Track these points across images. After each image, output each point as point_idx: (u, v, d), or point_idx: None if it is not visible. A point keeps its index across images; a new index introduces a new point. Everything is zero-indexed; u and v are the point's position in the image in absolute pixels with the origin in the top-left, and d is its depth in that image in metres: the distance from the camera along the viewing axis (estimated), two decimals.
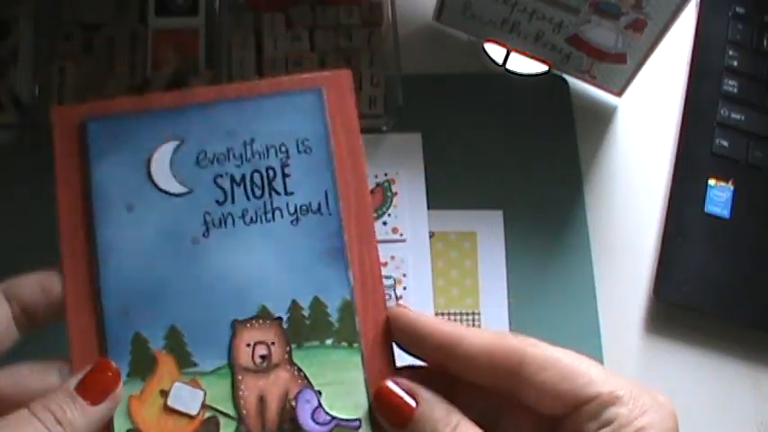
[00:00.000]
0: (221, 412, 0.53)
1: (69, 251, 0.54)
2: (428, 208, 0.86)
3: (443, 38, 0.96)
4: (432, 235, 0.86)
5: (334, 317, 0.53)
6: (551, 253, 0.86)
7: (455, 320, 0.85)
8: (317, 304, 0.54)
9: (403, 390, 0.49)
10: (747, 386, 0.83)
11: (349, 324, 0.53)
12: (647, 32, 0.83)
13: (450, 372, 0.50)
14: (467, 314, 0.85)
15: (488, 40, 0.94)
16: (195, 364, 0.53)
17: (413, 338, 0.51)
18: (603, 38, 0.86)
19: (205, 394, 0.53)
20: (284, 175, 0.55)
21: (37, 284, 0.53)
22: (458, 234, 0.87)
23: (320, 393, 0.53)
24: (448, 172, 0.86)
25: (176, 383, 0.53)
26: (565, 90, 0.95)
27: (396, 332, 0.51)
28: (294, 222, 0.54)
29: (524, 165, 0.89)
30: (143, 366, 0.53)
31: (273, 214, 0.54)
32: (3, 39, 0.88)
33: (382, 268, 0.58)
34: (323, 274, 0.53)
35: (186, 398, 0.53)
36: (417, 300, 0.81)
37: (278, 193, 0.54)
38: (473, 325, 0.84)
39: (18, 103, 0.85)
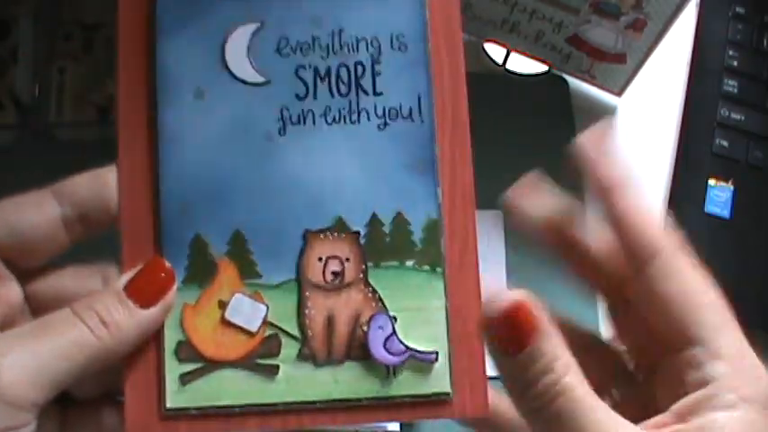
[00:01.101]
0: (284, 331, 0.47)
1: (128, 137, 0.48)
2: None
3: None
4: None
5: (417, 236, 0.47)
6: (551, 253, 0.83)
7: None
8: (399, 220, 0.48)
9: (529, 310, 0.41)
10: None
11: (433, 246, 0.47)
12: (647, 32, 0.82)
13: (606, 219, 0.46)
14: None
15: (488, 40, 0.92)
16: (259, 276, 0.47)
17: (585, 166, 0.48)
18: (603, 38, 0.85)
19: (268, 309, 0.47)
20: (374, 73, 0.48)
21: (91, 182, 0.47)
22: None
23: (395, 320, 0.47)
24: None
25: (237, 295, 0.47)
26: (565, 90, 0.94)
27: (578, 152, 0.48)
28: (381, 127, 0.48)
29: (524, 165, 0.86)
30: (201, 272, 0.47)
31: (359, 116, 0.48)
32: (3, 39, 0.85)
33: None
34: (409, 187, 0.47)
35: (247, 312, 0.47)
36: None
37: (366, 93, 0.48)
38: None
39: (18, 103, 0.83)
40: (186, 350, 0.47)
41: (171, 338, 0.46)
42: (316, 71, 0.49)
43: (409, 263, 0.48)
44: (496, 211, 0.82)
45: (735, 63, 0.94)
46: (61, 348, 0.43)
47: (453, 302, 0.47)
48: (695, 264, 0.45)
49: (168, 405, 0.46)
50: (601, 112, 0.93)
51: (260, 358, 0.47)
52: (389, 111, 0.48)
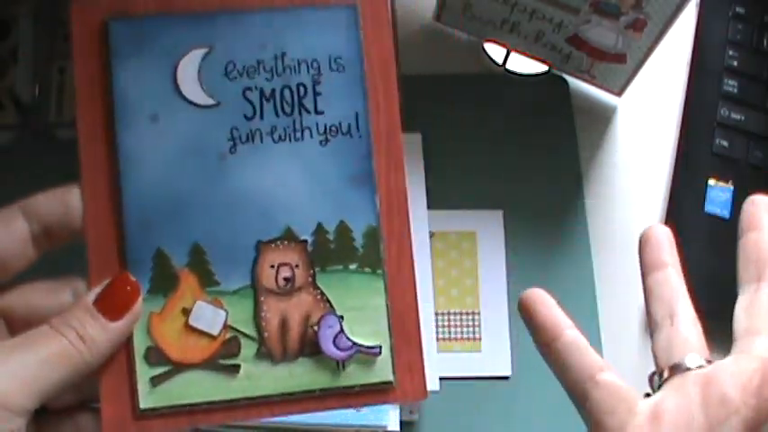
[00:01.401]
0: (243, 333, 0.52)
1: (89, 161, 0.51)
2: (428, 208, 0.85)
3: (443, 38, 0.95)
4: (432, 235, 0.86)
5: (358, 242, 0.52)
6: (551, 252, 0.86)
7: (455, 320, 0.85)
8: (342, 228, 0.52)
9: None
10: None
11: (373, 250, 0.52)
12: (647, 32, 0.82)
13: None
14: (467, 314, 0.85)
15: (488, 40, 0.93)
16: (218, 284, 0.52)
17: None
18: (603, 38, 0.85)
19: (227, 314, 0.52)
20: (315, 93, 0.52)
21: (56, 200, 0.51)
22: (458, 234, 0.87)
23: (342, 318, 0.52)
24: (448, 172, 0.85)
25: (198, 302, 0.52)
26: (565, 90, 0.94)
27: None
28: (323, 143, 0.52)
29: (524, 165, 0.89)
30: (164, 283, 0.51)
31: (303, 133, 0.52)
32: (3, 39, 0.86)
33: None
34: (350, 197, 0.52)
35: (208, 317, 0.52)
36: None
37: (308, 112, 0.52)
38: (473, 325, 0.85)
39: (18, 103, 0.84)
40: (155, 355, 0.51)
41: (140, 344, 0.51)
42: (261, 92, 0.53)
43: (352, 266, 0.53)
44: (497, 211, 0.87)
45: (735, 63, 0.94)
46: (47, 359, 0.47)
47: (393, 300, 0.53)
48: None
49: (142, 406, 0.51)
50: (601, 112, 0.94)
51: (222, 359, 0.52)
52: (330, 128, 0.53)
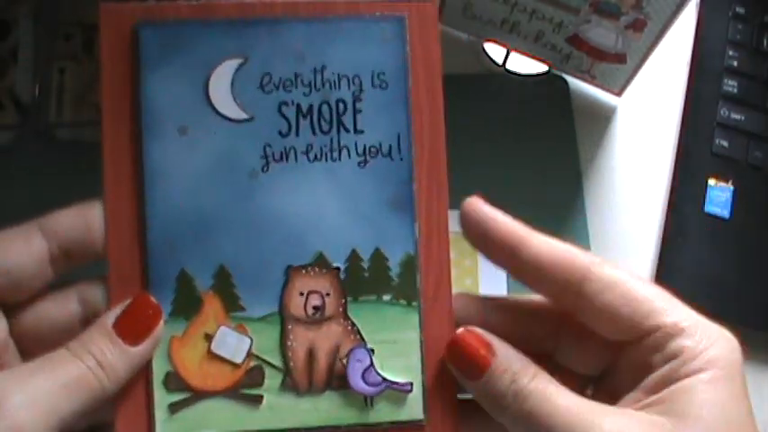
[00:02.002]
0: (267, 362, 0.49)
1: (113, 174, 0.48)
2: None
3: (443, 38, 0.93)
4: None
5: (394, 271, 0.49)
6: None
7: None
8: (377, 256, 0.50)
9: (478, 341, 0.46)
10: (747, 386, 0.83)
11: (409, 281, 0.50)
12: (647, 32, 0.82)
13: (513, 274, 0.48)
14: None
15: (488, 40, 0.92)
16: (243, 309, 0.49)
17: (480, 231, 0.49)
18: (603, 38, 0.85)
19: (252, 342, 0.49)
20: (355, 111, 0.49)
21: (76, 218, 0.48)
22: (458, 234, 0.84)
23: (373, 352, 0.50)
24: (448, 172, 0.83)
25: (222, 328, 0.49)
26: (565, 90, 0.93)
27: (465, 222, 0.49)
28: (361, 164, 0.49)
29: (524, 165, 0.88)
30: (187, 306, 0.49)
31: (340, 153, 0.49)
32: (3, 39, 0.84)
33: None
34: (387, 224, 0.49)
35: (231, 344, 0.49)
36: None
37: (347, 130, 0.49)
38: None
39: (18, 104, 0.82)
40: (174, 381, 0.49)
41: (159, 369, 0.48)
42: (298, 108, 0.50)
43: (386, 297, 0.50)
44: None
45: (735, 63, 0.94)
46: (65, 386, 0.45)
47: (428, 335, 0.50)
48: (616, 265, 0.47)
49: None
50: (601, 112, 0.93)
51: (245, 388, 0.49)
52: (369, 149, 0.50)
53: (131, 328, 0.47)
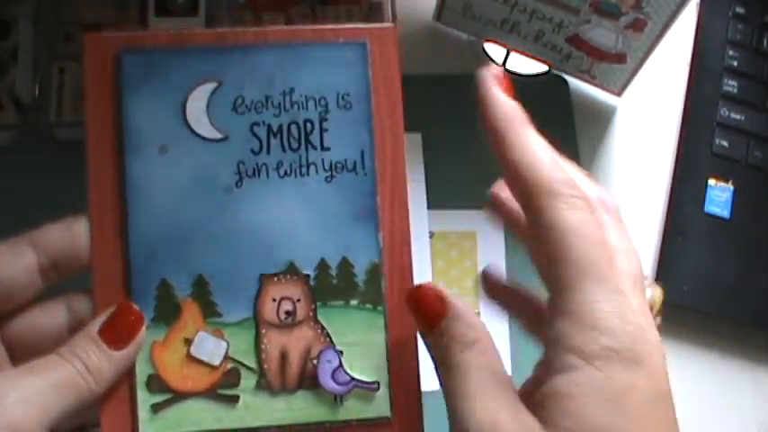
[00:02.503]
0: (243, 365, 0.53)
1: (97, 190, 0.52)
2: (428, 208, 0.86)
3: (443, 38, 0.95)
4: (432, 235, 0.86)
5: (360, 278, 0.53)
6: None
7: None
8: (344, 264, 0.53)
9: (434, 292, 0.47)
10: (747, 386, 0.83)
11: (375, 286, 0.53)
12: (647, 32, 0.82)
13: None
14: None
15: (488, 40, 0.93)
16: (220, 315, 0.53)
17: (480, 99, 0.49)
18: (603, 38, 0.85)
19: (228, 346, 0.53)
20: (322, 130, 0.53)
21: (64, 232, 0.51)
22: (458, 234, 0.87)
23: (341, 353, 0.53)
24: (448, 172, 0.86)
25: (200, 333, 0.52)
26: (565, 90, 0.94)
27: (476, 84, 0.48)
28: (328, 179, 0.53)
29: None
30: (167, 313, 0.52)
31: (308, 169, 0.53)
32: (3, 39, 0.86)
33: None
34: (353, 234, 0.52)
35: (209, 348, 0.52)
36: None
37: (314, 148, 0.53)
38: None
39: (18, 103, 0.84)
40: (156, 383, 0.52)
41: (142, 372, 0.52)
42: (269, 128, 0.54)
43: (353, 302, 0.53)
44: None
45: (735, 63, 0.94)
46: (55, 386, 0.48)
47: (392, 336, 0.53)
48: (578, 208, 0.45)
49: None
50: (601, 112, 0.94)
51: (222, 389, 0.53)
52: (335, 164, 0.53)
53: (116, 334, 0.50)
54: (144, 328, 0.52)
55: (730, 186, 0.89)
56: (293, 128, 0.53)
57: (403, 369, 0.53)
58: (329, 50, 0.53)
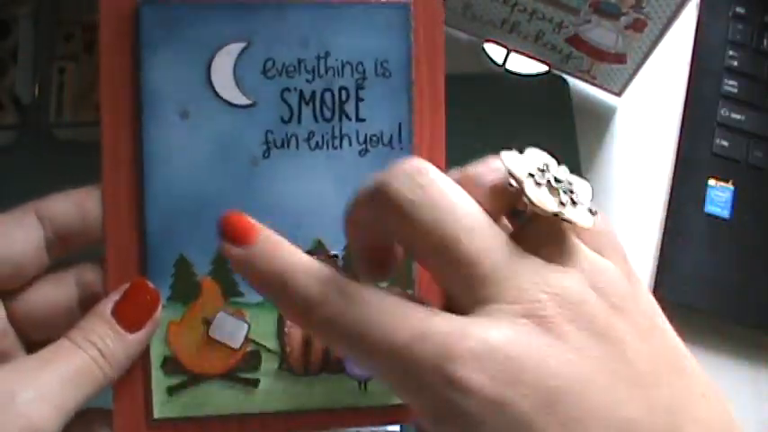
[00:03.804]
0: (264, 347, 0.50)
1: (112, 158, 0.48)
2: None
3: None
4: None
5: None
6: None
7: None
8: None
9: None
10: (747, 386, 0.83)
11: (405, 268, 0.50)
12: (647, 32, 0.81)
13: None
14: None
15: (488, 40, 0.91)
16: (241, 294, 0.49)
17: None
18: (603, 38, 0.84)
19: (249, 327, 0.49)
20: (358, 99, 0.49)
21: (73, 203, 0.48)
22: None
23: None
24: (447, 167, 0.83)
25: (220, 313, 0.49)
26: (565, 90, 0.93)
27: None
28: (362, 153, 0.49)
29: None
30: (185, 291, 0.49)
31: (341, 141, 0.49)
32: (3, 39, 0.83)
33: None
34: None
35: (229, 329, 0.49)
36: None
37: (348, 118, 0.49)
38: None
39: (18, 104, 0.81)
40: (172, 365, 0.49)
41: (157, 353, 0.49)
42: (301, 94, 0.49)
43: (383, 284, 0.49)
44: None
45: (735, 63, 0.94)
46: (71, 378, 0.45)
47: None
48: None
49: (156, 415, 0.49)
50: (601, 112, 0.93)
51: (241, 372, 0.50)
52: (371, 137, 0.50)
53: (130, 315, 0.47)
54: (160, 308, 0.48)
55: (730, 186, 0.88)
56: (327, 96, 0.49)
57: None
58: (369, 11, 0.49)
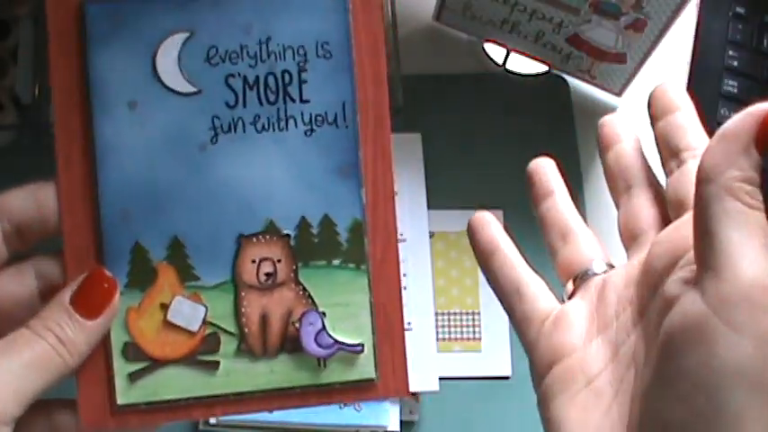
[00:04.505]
0: (222, 329, 0.50)
1: (65, 150, 0.50)
2: (428, 208, 0.85)
3: (443, 38, 0.95)
4: (432, 235, 0.85)
5: (343, 237, 0.50)
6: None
7: (455, 320, 0.85)
8: (326, 222, 0.50)
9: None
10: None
11: (358, 245, 0.50)
12: (647, 32, 0.82)
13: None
14: (466, 314, 0.85)
15: (488, 40, 0.93)
16: (197, 278, 0.50)
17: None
18: (603, 38, 0.85)
19: (207, 310, 0.50)
20: (300, 81, 0.50)
21: (29, 197, 0.49)
22: (458, 234, 0.87)
23: (324, 315, 0.50)
24: (448, 172, 0.86)
25: (177, 297, 0.50)
26: (565, 90, 0.94)
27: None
28: (308, 133, 0.50)
29: (524, 165, 0.88)
30: (143, 277, 0.50)
31: (287, 123, 0.50)
32: (3, 39, 0.85)
33: None
34: (335, 191, 0.49)
35: (187, 313, 0.50)
36: (417, 299, 0.80)
37: (293, 100, 0.50)
38: (473, 325, 0.85)
39: (18, 103, 0.83)
40: (133, 351, 0.50)
41: (117, 340, 0.50)
42: (245, 80, 0.51)
43: (336, 262, 0.51)
44: (497, 210, 0.86)
45: (735, 63, 0.94)
46: (30, 365, 0.46)
47: (377, 297, 0.51)
48: None
49: (119, 402, 0.50)
50: (601, 112, 0.91)
51: (201, 355, 0.50)
52: (316, 117, 0.51)
53: (88, 303, 0.48)
54: (118, 294, 0.49)
55: None
56: (270, 79, 0.50)
57: (388, 329, 0.51)
58: None
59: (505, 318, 0.83)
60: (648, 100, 0.54)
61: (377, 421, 0.75)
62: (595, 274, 0.49)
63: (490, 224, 0.53)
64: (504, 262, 0.51)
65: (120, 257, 0.50)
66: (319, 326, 0.50)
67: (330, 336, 0.50)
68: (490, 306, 0.84)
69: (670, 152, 0.51)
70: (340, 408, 0.76)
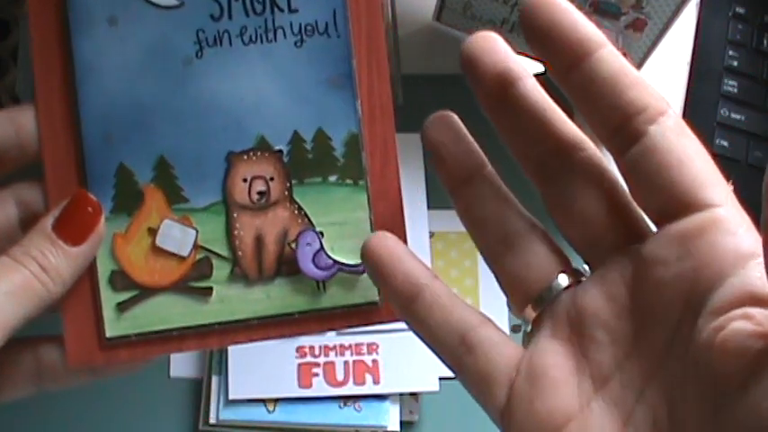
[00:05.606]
0: (215, 253, 0.48)
1: (44, 71, 0.47)
2: (428, 208, 0.83)
3: (443, 38, 0.94)
4: (432, 235, 0.84)
5: (339, 151, 0.47)
6: None
7: None
8: (320, 136, 0.48)
9: None
10: None
11: (355, 159, 0.48)
12: (647, 32, 0.81)
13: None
14: None
15: None
16: (186, 200, 0.48)
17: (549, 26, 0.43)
18: None
19: (197, 233, 0.47)
20: None
21: (7, 122, 0.46)
22: (458, 234, 0.85)
23: (322, 234, 0.48)
24: None
25: (166, 221, 0.47)
26: None
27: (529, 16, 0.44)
28: (298, 44, 0.48)
29: None
30: (129, 201, 0.47)
31: (275, 34, 0.48)
32: (3, 39, 0.84)
33: None
34: (328, 103, 0.47)
35: (177, 237, 0.47)
36: None
37: (281, 10, 0.48)
38: None
39: (18, 104, 0.79)
40: (120, 279, 0.47)
41: (104, 269, 0.47)
42: None
43: (332, 178, 0.48)
44: None
45: (735, 63, 0.93)
46: (11, 293, 0.43)
47: (377, 213, 0.48)
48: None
49: (108, 334, 0.47)
50: None
51: (193, 281, 0.47)
52: (305, 27, 0.48)
53: (72, 228, 0.45)
54: (103, 219, 0.46)
55: (730, 186, 0.86)
56: None
57: None
58: None
59: (506, 318, 0.82)
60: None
61: (377, 421, 0.73)
62: (561, 291, 0.39)
63: (395, 244, 0.42)
64: (432, 303, 0.40)
65: (104, 181, 0.47)
66: (317, 246, 0.47)
67: (329, 256, 0.47)
68: (490, 306, 0.81)
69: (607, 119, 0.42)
70: (340, 408, 0.73)
